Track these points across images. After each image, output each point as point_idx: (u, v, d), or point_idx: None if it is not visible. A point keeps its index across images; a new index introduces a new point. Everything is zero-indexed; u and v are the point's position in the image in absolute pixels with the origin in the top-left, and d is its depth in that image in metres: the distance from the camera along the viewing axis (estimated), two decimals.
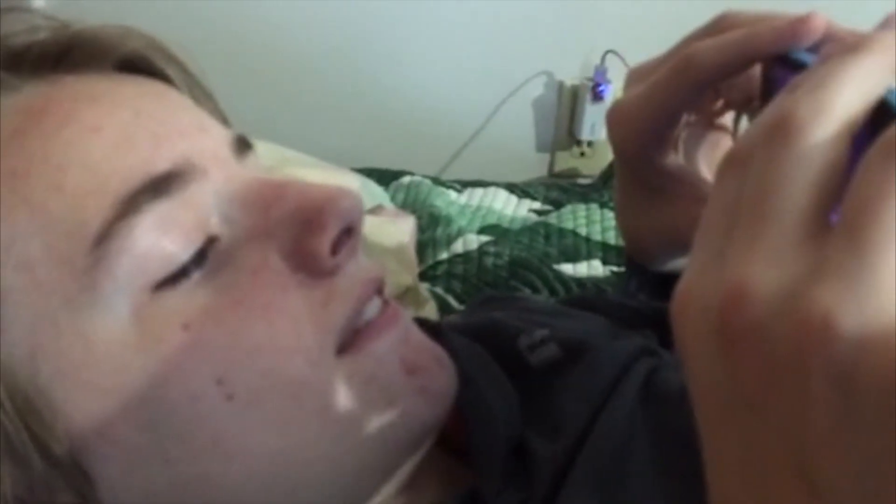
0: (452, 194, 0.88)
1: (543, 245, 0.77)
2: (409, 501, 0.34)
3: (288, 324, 0.29)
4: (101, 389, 0.28)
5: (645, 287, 0.46)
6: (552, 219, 0.82)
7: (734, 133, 0.40)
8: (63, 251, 0.27)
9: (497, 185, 0.90)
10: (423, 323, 0.40)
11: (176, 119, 0.31)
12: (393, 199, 0.86)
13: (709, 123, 0.40)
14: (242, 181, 0.31)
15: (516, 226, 0.83)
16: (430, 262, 0.75)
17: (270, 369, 0.29)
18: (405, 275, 0.67)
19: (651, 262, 0.45)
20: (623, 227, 0.45)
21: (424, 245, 0.78)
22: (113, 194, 0.28)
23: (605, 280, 0.71)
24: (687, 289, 0.20)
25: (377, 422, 0.31)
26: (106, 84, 0.31)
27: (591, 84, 1.15)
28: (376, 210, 0.78)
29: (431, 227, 0.80)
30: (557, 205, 0.87)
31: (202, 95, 0.35)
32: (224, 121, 0.36)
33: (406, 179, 0.89)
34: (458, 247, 0.77)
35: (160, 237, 0.28)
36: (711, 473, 0.20)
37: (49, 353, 0.27)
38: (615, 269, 0.74)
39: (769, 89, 0.32)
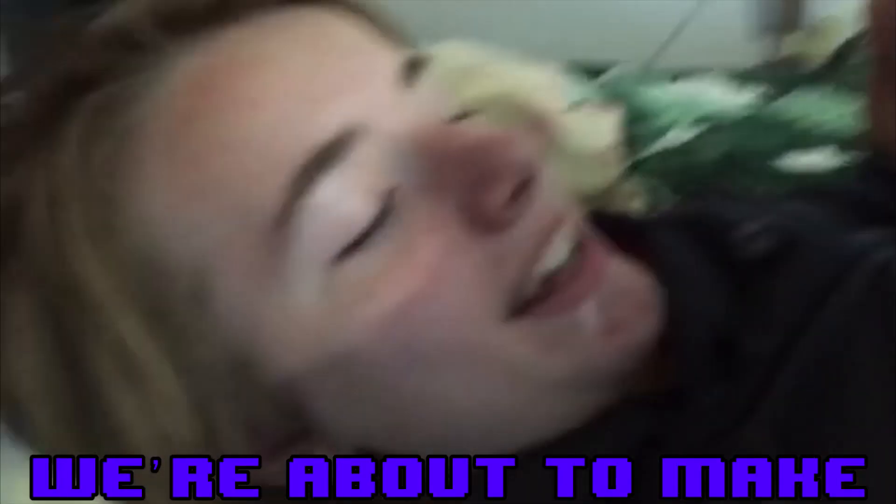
0: (662, 87, 0.85)
1: (766, 135, 0.73)
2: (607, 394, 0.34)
3: (456, 292, 0.30)
4: (304, 354, 0.30)
5: (889, 184, 0.44)
6: (778, 107, 0.79)
7: None
8: (249, 234, 0.29)
9: (712, 72, 0.87)
10: (625, 220, 0.42)
11: (335, 70, 0.31)
12: (599, 93, 0.84)
13: None
14: (409, 129, 0.31)
15: (735, 117, 0.80)
16: (638, 157, 0.74)
17: (445, 338, 0.30)
18: (612, 169, 0.69)
19: None
20: (873, 126, 0.43)
21: (632, 140, 0.75)
22: (283, 174, 0.29)
23: (838, 172, 0.68)
24: None
25: (568, 378, 0.32)
26: (265, 34, 0.31)
27: None
28: (581, 104, 0.77)
29: (639, 122, 0.78)
30: (783, 92, 0.83)
31: (371, 14, 0.35)
32: (394, 36, 0.36)
33: (611, 73, 0.88)
34: (670, 139, 0.75)
35: (337, 206, 0.30)
36: None
37: (254, 324, 0.30)
38: (851, 159, 0.69)
39: None
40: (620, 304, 0.33)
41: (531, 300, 0.31)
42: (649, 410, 0.33)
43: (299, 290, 0.30)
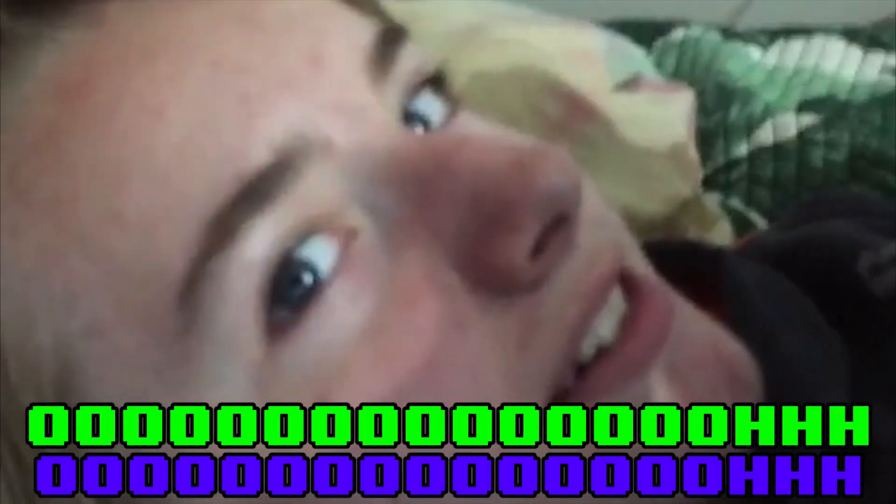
0: (754, 53, 0.80)
1: None
2: None
3: (462, 389, 0.27)
4: None
5: None
6: None
7: None
8: (140, 309, 0.26)
9: (827, 31, 0.80)
10: (696, 250, 0.40)
11: (274, 55, 0.28)
12: (659, 65, 0.80)
13: None
14: (386, 145, 0.28)
15: (861, 97, 0.73)
16: (720, 160, 0.71)
17: None
18: (682, 183, 0.64)
19: None
20: None
21: (712, 135, 0.72)
22: (194, 218, 0.26)
23: None
24: None
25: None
26: (169, 7, 0.29)
27: None
28: (633, 84, 0.72)
29: (722, 107, 0.74)
30: None
31: None
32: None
33: (679, 34, 0.82)
34: (766, 135, 0.71)
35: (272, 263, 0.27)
36: None
37: None
38: None
39: None
40: (698, 378, 0.30)
41: (571, 387, 0.29)
42: None
43: (218, 387, 0.27)
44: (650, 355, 0.29)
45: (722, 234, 0.63)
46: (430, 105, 0.31)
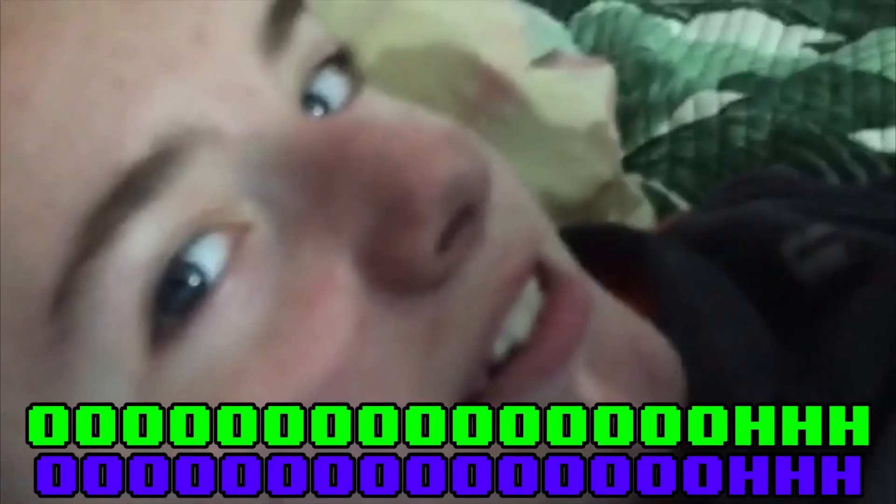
0: (674, 27, 0.81)
1: (830, 103, 0.70)
2: None
3: (366, 396, 0.27)
4: None
5: None
6: (844, 57, 0.73)
7: None
8: (11, 320, 0.25)
9: (748, 4, 0.81)
10: (617, 233, 0.41)
11: (156, 29, 0.27)
12: (577, 40, 0.81)
13: None
14: (279, 131, 0.27)
15: (783, 73, 0.74)
16: (640, 140, 0.71)
17: None
18: (602, 164, 0.63)
19: None
20: None
21: (632, 113, 0.72)
22: (64, 219, 0.25)
23: None
24: None
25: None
26: None
27: None
28: (551, 60, 0.72)
29: (642, 84, 0.74)
30: (853, 32, 0.78)
31: None
32: None
33: (597, 7, 0.83)
34: (687, 113, 0.71)
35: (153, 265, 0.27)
36: None
37: (21, 464, 0.26)
38: None
39: None
40: (618, 376, 0.30)
41: (484, 389, 0.28)
42: None
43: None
44: (566, 353, 0.28)
45: (643, 218, 0.62)
46: (332, 86, 0.30)
